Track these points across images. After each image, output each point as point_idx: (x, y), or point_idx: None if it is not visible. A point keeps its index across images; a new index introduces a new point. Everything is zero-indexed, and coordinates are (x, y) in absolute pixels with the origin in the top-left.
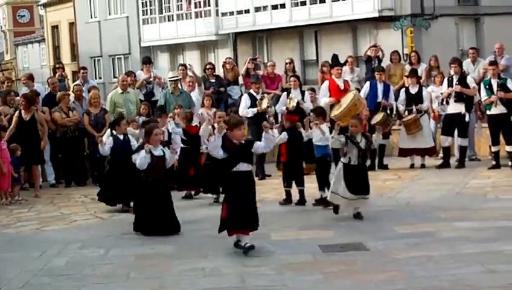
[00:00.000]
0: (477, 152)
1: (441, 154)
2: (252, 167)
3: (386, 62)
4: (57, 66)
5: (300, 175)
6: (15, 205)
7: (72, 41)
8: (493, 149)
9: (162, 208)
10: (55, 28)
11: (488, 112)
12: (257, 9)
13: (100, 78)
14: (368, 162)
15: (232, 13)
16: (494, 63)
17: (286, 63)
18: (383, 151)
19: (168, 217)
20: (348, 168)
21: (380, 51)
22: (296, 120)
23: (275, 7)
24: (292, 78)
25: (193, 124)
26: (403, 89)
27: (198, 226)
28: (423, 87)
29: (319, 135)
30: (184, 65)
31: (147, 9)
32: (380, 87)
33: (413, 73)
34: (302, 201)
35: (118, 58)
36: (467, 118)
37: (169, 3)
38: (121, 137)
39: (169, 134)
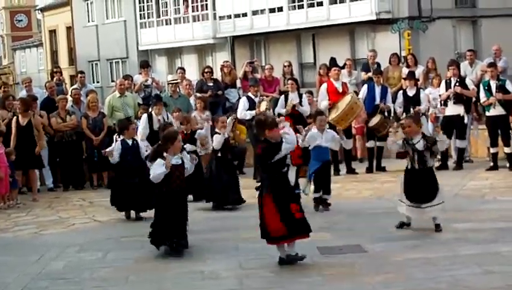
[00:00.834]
0: (472, 153)
1: (439, 156)
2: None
3: (384, 64)
4: (55, 70)
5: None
6: (13, 209)
7: (70, 45)
8: (491, 151)
9: (174, 221)
10: (52, 32)
11: (486, 114)
12: (254, 13)
13: (98, 82)
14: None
15: (229, 17)
16: (493, 64)
17: (284, 66)
18: (381, 154)
19: (178, 232)
20: (408, 173)
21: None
22: (290, 122)
23: (272, 10)
24: (290, 81)
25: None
26: (401, 92)
27: (197, 230)
28: (421, 90)
29: (330, 136)
30: (183, 68)
31: (144, 13)
32: (377, 90)
33: (411, 75)
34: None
35: (115, 62)
36: (465, 120)
37: (166, 7)
38: (130, 142)
39: (165, 124)
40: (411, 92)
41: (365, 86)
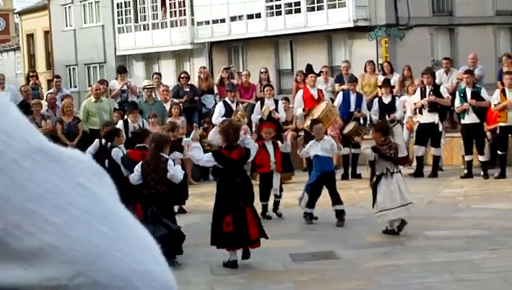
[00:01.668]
0: (444, 162)
1: (414, 164)
2: None
3: (360, 71)
4: (31, 74)
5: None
6: None
7: (48, 49)
8: (466, 159)
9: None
10: (30, 36)
11: (461, 122)
12: (233, 19)
13: (75, 86)
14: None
15: (207, 22)
16: (469, 71)
17: (261, 73)
18: (356, 161)
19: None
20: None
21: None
22: (273, 128)
23: (250, 17)
24: (267, 88)
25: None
26: (376, 99)
27: None
28: (396, 97)
29: (328, 145)
30: (159, 74)
31: (122, 18)
32: (352, 98)
33: (386, 83)
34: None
35: (93, 66)
36: (440, 128)
37: (144, 12)
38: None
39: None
40: (386, 100)
41: (340, 94)
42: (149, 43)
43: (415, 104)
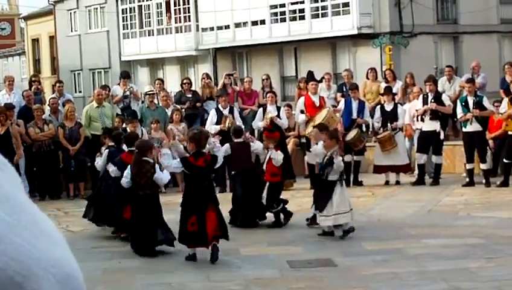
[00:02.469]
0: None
1: (416, 172)
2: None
3: (364, 79)
4: (33, 79)
5: (277, 197)
6: None
7: (53, 54)
8: (468, 167)
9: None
10: (35, 41)
11: (463, 129)
12: (237, 25)
13: (80, 91)
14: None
15: (212, 29)
16: (471, 80)
17: (263, 79)
18: (358, 168)
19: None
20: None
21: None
22: (277, 137)
23: (254, 23)
24: (269, 94)
25: None
26: (378, 106)
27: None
28: (398, 105)
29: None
30: (161, 80)
31: (127, 24)
32: (354, 105)
33: (388, 90)
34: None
35: (98, 72)
36: (441, 136)
37: (149, 18)
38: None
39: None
40: (389, 107)
41: (342, 101)
42: (154, 49)
43: (416, 110)
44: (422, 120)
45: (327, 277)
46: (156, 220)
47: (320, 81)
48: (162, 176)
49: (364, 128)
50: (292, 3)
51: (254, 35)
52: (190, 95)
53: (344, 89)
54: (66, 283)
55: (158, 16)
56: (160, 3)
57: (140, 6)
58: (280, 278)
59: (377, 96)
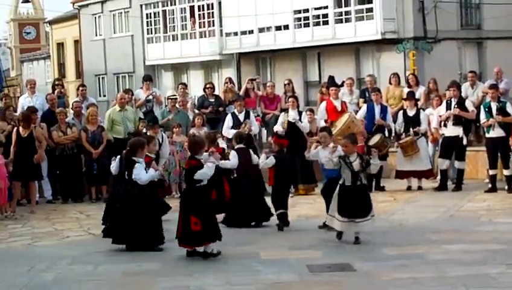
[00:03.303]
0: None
1: (438, 177)
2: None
3: (386, 84)
4: (56, 82)
5: (286, 199)
6: (10, 220)
7: (77, 58)
8: (490, 172)
9: (147, 221)
10: (60, 45)
11: (486, 135)
12: (261, 30)
13: (104, 95)
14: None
15: (236, 34)
16: (494, 86)
17: (285, 84)
18: (380, 173)
19: (152, 230)
20: (343, 190)
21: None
22: (284, 144)
23: (278, 28)
24: (290, 99)
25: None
26: (401, 112)
27: None
28: (421, 110)
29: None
30: (184, 84)
31: (151, 28)
32: (377, 110)
33: (411, 95)
34: (285, 223)
35: (122, 76)
36: (464, 141)
37: (174, 22)
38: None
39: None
40: (411, 112)
41: (364, 106)
42: (178, 54)
43: (440, 116)
44: (445, 126)
45: (346, 281)
46: (137, 221)
47: (341, 85)
48: (141, 176)
49: (386, 133)
50: (316, 8)
51: (278, 40)
52: (213, 100)
53: (367, 95)
54: None
55: (182, 21)
56: (185, 8)
57: (164, 11)
58: (299, 282)
59: (400, 101)
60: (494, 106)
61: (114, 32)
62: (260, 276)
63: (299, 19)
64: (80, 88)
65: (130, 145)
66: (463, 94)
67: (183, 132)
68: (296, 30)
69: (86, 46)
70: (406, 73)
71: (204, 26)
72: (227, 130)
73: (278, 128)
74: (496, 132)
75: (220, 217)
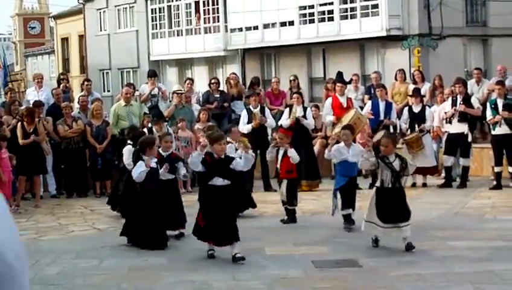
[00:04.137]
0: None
1: (443, 174)
2: (228, 182)
3: (391, 81)
4: (61, 77)
5: (295, 194)
6: (15, 215)
7: (82, 53)
8: (496, 170)
9: (152, 220)
10: (65, 40)
11: (492, 132)
12: (266, 26)
13: (109, 90)
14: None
15: (240, 29)
16: (501, 82)
17: (290, 80)
18: None
19: (156, 230)
20: (381, 193)
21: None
22: (290, 135)
23: (283, 24)
24: (295, 95)
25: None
26: (406, 108)
27: (193, 239)
28: (426, 107)
29: (357, 151)
30: (191, 79)
31: (156, 24)
32: (381, 106)
33: (416, 92)
34: (293, 220)
35: (126, 71)
36: (469, 138)
37: (178, 18)
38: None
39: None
40: (416, 109)
41: (369, 102)
42: (182, 49)
43: (445, 113)
44: (450, 122)
45: (351, 277)
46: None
47: (349, 82)
48: (134, 174)
49: (391, 130)
50: (321, 5)
51: (282, 36)
52: (218, 95)
53: (372, 91)
54: None
55: (187, 16)
56: (190, 3)
57: (169, 7)
58: (305, 277)
59: (405, 97)
60: (500, 103)
61: (119, 28)
62: (265, 271)
63: (304, 15)
64: (85, 83)
65: (139, 143)
66: (469, 91)
67: (188, 126)
68: (301, 26)
69: (90, 41)
70: (411, 70)
71: (209, 22)
72: (243, 125)
73: (284, 122)
74: (502, 129)
75: None
